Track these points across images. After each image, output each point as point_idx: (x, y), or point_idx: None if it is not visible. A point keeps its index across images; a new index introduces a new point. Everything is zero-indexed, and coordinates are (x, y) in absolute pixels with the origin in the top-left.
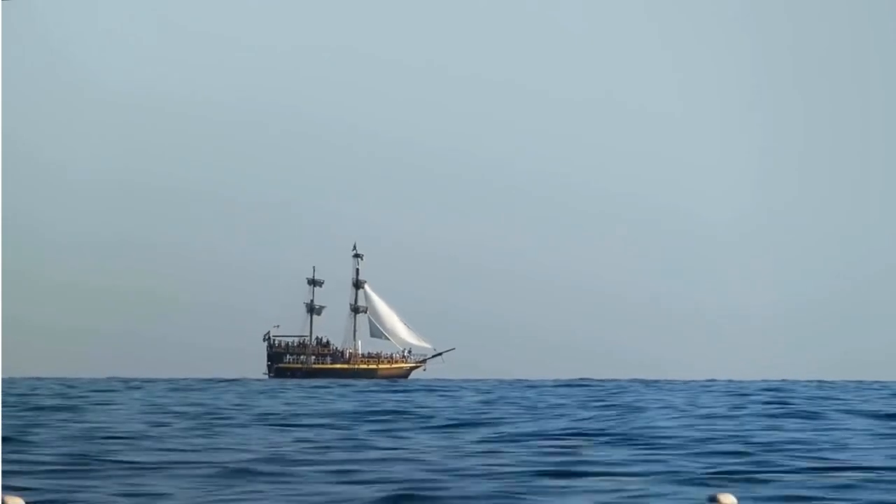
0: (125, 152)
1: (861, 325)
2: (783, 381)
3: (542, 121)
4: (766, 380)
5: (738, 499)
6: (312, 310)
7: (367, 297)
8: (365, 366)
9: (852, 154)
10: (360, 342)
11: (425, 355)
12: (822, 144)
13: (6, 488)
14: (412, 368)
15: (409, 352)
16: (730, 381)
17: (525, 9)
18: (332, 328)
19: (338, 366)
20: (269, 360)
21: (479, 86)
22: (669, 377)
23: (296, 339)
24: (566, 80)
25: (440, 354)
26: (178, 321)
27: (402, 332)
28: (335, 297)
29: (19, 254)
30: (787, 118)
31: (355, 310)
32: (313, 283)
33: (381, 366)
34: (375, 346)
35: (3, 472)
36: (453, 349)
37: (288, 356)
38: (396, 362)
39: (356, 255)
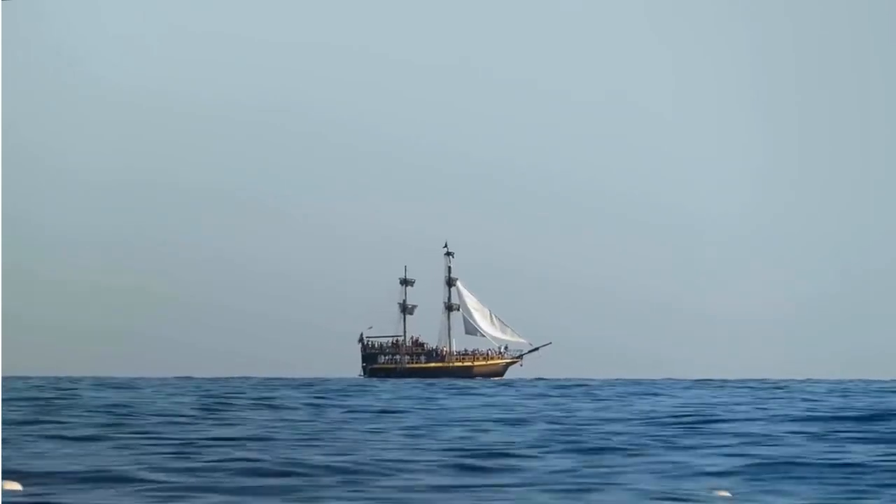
0: (127, 151)
1: (862, 324)
2: (782, 380)
3: (543, 120)
4: (765, 379)
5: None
6: (405, 309)
7: (459, 294)
8: (460, 363)
9: (854, 154)
10: (454, 340)
11: (521, 351)
12: (824, 144)
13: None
14: (508, 365)
15: (506, 348)
16: (724, 380)
17: (526, 8)
18: (426, 327)
19: (432, 364)
20: (363, 361)
21: (482, 85)
22: (668, 377)
23: (389, 340)
24: (567, 80)
25: (536, 349)
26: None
27: (496, 328)
28: (428, 296)
29: (23, 253)
30: (788, 118)
31: (449, 308)
32: (405, 282)
33: (476, 363)
34: (470, 344)
35: None
36: (549, 343)
37: (382, 356)
38: (492, 359)
39: (448, 254)
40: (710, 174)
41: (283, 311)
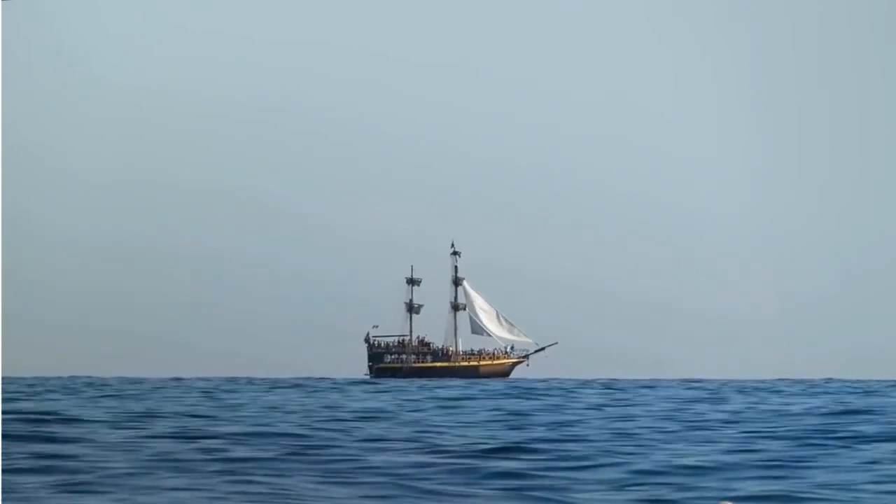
0: (127, 151)
1: (862, 324)
2: (782, 379)
3: (544, 120)
4: (763, 379)
5: None
6: (412, 309)
7: (466, 294)
8: (466, 363)
9: (854, 154)
10: (460, 340)
11: (527, 351)
12: (824, 144)
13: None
14: (515, 365)
15: (512, 348)
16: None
17: (525, 8)
18: (432, 326)
19: (438, 364)
20: (369, 361)
21: (482, 85)
22: (668, 376)
23: (395, 339)
24: (567, 81)
25: (543, 349)
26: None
27: (503, 328)
28: (434, 296)
29: (23, 253)
30: (788, 118)
31: (455, 307)
32: (412, 282)
33: (482, 363)
34: (476, 344)
35: None
36: (555, 343)
37: (388, 356)
38: (498, 359)
39: (454, 253)
40: (710, 174)
41: (289, 311)
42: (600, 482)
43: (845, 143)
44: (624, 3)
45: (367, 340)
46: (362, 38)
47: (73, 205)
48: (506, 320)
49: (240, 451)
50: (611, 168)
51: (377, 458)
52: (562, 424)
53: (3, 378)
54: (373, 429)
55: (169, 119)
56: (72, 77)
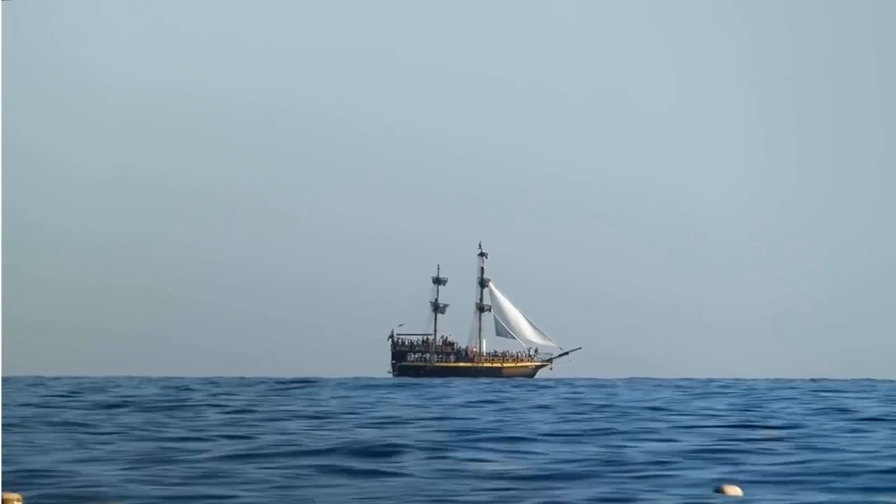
0: (127, 151)
1: (862, 324)
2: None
3: (542, 118)
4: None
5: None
6: (437, 308)
7: (492, 295)
8: (489, 364)
9: (854, 154)
10: (484, 341)
11: (551, 354)
12: (824, 145)
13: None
14: (538, 367)
15: (536, 351)
16: (736, 379)
17: (526, 9)
18: (457, 327)
19: (461, 364)
20: (393, 359)
21: (478, 84)
22: (668, 376)
23: (420, 338)
24: (568, 79)
25: (566, 353)
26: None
27: (527, 330)
28: (460, 296)
29: (23, 253)
30: (787, 118)
31: (480, 308)
32: (438, 281)
33: (505, 364)
34: (501, 345)
35: None
36: (580, 348)
37: (411, 354)
38: (521, 361)
39: (481, 254)
40: (710, 174)
41: (303, 311)
42: None
43: (845, 143)
44: (624, 3)
45: (391, 338)
46: (362, 37)
47: (73, 204)
48: (530, 323)
49: None
50: (610, 168)
51: None
52: None
53: (2, 378)
54: None
55: (169, 119)
56: (72, 77)
